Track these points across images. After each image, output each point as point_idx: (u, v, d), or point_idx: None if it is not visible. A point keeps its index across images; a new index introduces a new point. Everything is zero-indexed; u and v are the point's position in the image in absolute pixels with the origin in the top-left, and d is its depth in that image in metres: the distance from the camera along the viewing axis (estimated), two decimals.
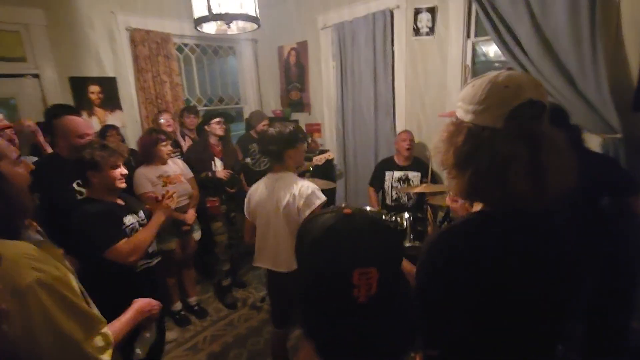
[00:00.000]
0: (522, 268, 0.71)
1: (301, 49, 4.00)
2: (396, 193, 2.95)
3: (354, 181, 3.77)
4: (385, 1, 3.07)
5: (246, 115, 4.06)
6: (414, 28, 2.94)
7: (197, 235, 2.74)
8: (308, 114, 4.16)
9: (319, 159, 3.35)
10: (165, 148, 2.43)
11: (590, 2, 2.00)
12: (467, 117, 0.73)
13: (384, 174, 3.00)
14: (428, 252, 0.77)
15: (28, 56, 2.80)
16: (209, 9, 1.43)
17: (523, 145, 0.67)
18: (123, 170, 1.62)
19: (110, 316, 1.00)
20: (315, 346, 0.53)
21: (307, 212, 1.62)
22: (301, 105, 4.19)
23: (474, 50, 2.78)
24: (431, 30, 2.86)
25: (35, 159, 2.12)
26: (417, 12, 2.89)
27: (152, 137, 2.41)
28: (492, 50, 2.82)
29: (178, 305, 2.76)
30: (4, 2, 2.62)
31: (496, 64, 2.85)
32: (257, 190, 1.84)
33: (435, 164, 2.86)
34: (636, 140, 2.06)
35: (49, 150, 2.30)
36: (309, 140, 4.14)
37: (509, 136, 0.68)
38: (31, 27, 2.76)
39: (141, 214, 1.71)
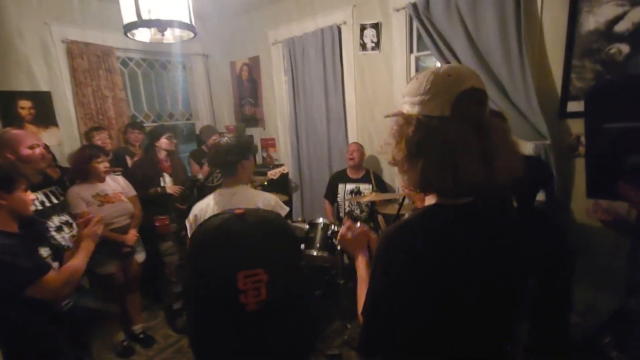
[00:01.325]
0: (479, 260, 0.72)
1: (253, 64, 3.99)
2: (349, 205, 2.96)
3: (309, 194, 3.75)
4: (333, 17, 3.15)
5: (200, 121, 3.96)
6: (360, 43, 3.04)
7: (140, 257, 2.55)
8: (262, 129, 4.12)
9: (274, 173, 3.31)
10: (101, 165, 2.26)
11: (516, 18, 2.18)
12: (414, 110, 0.74)
13: (337, 186, 3.02)
14: (385, 248, 0.75)
15: None
16: (138, 15, 1.37)
17: (471, 130, 0.69)
18: (31, 195, 1.44)
19: None
20: (193, 351, 0.48)
21: None
22: (255, 120, 4.15)
23: (417, 63, 2.91)
24: (377, 45, 2.96)
25: None
26: (363, 28, 2.99)
27: (85, 153, 2.24)
28: (432, 63, 2.97)
29: (120, 336, 2.53)
30: None
31: None
32: (208, 208, 1.66)
33: (386, 160, 2.92)
34: (563, 144, 2.22)
35: None
36: (264, 155, 4.10)
37: (457, 122, 0.69)
38: None
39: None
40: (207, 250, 0.45)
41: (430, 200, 0.80)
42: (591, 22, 2.06)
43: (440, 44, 2.50)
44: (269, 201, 1.58)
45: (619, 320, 1.71)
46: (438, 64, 2.72)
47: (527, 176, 0.76)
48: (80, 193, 2.20)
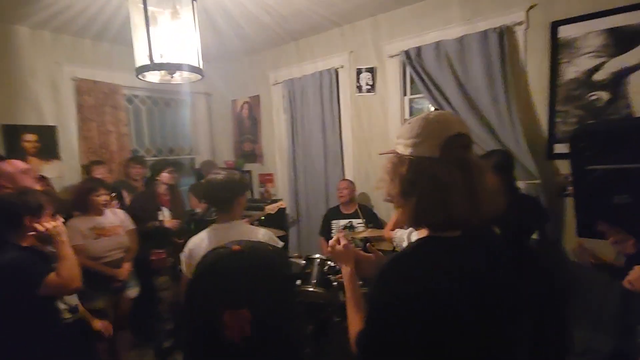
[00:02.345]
0: (476, 291, 0.74)
1: (254, 103, 4.14)
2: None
3: (306, 229, 3.76)
4: (331, 62, 3.34)
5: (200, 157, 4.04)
6: (357, 86, 3.20)
7: (132, 292, 2.51)
8: (260, 165, 4.20)
9: (271, 208, 3.34)
10: (100, 198, 2.30)
11: (501, 66, 2.34)
12: (407, 151, 0.81)
13: (331, 223, 3.05)
14: (382, 276, 0.78)
15: None
16: (151, 59, 1.47)
17: (458, 170, 0.76)
18: (47, 223, 1.52)
19: None
20: None
21: None
22: (254, 156, 4.24)
23: (410, 105, 3.05)
24: (372, 87, 3.12)
25: None
26: (359, 72, 3.16)
27: (86, 186, 2.29)
28: (425, 104, 3.11)
29: None
30: None
31: None
32: (202, 243, 1.65)
33: (380, 197, 2.95)
34: (552, 184, 2.29)
35: None
36: (262, 189, 4.14)
37: (445, 163, 0.76)
38: None
39: None
40: (198, 286, 0.48)
41: (422, 233, 0.85)
42: (571, 71, 2.22)
43: (432, 87, 2.65)
44: (264, 235, 1.59)
45: None
46: (431, 106, 2.86)
47: (525, 216, 0.82)
48: (78, 225, 2.22)
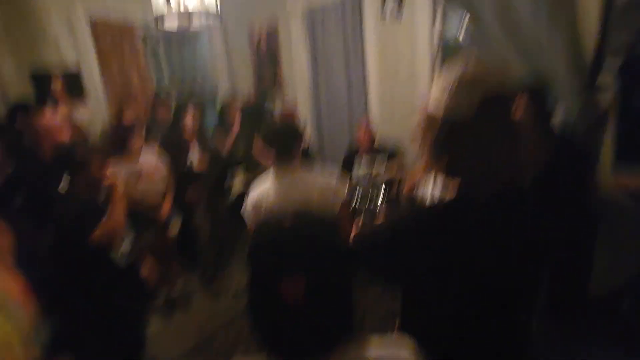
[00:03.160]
0: (494, 233, 0.78)
1: (272, 36, 3.91)
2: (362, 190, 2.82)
3: (329, 165, 3.82)
4: None
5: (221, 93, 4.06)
6: (381, 12, 2.95)
7: (174, 226, 2.74)
8: (282, 100, 4.13)
9: None
10: (136, 141, 2.38)
11: None
12: (440, 108, 0.78)
13: (351, 167, 2.97)
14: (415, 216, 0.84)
15: None
16: (168, 6, 1.41)
17: (495, 130, 0.73)
18: (110, 176, 1.65)
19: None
20: (257, 339, 0.59)
21: (339, 204, 1.55)
22: (274, 91, 4.15)
23: (441, 29, 2.80)
24: (399, 13, 2.87)
25: None
26: None
27: (119, 133, 2.37)
28: (456, 26, 2.84)
29: (161, 299, 2.79)
30: None
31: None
32: (269, 198, 1.58)
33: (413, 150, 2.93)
34: (592, 115, 2.15)
35: None
36: None
37: (481, 122, 0.73)
38: None
39: None
40: (258, 249, 0.55)
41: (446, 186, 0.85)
42: None
43: None
44: (329, 184, 1.58)
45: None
46: (462, 33, 2.64)
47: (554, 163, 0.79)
48: (118, 170, 2.35)
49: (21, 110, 2.24)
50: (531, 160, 0.77)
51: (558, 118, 2.21)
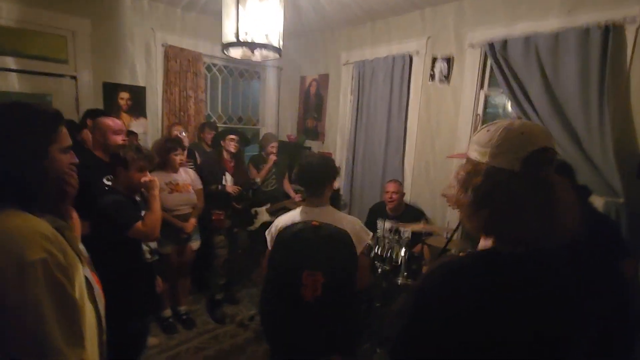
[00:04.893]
0: (530, 310, 0.71)
1: (322, 81, 4.18)
2: (388, 243, 2.83)
3: (357, 212, 3.80)
4: (406, 46, 3.23)
5: (265, 127, 4.29)
6: (430, 74, 3.07)
7: (195, 244, 2.79)
8: (321, 143, 4.28)
9: None
10: (178, 157, 2.55)
11: (600, 68, 2.09)
12: (484, 159, 0.77)
13: (376, 221, 2.94)
14: (427, 278, 0.77)
15: (70, 59, 3.06)
16: (237, 36, 1.57)
17: (538, 187, 0.72)
18: (148, 176, 1.78)
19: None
20: (264, 335, 0.58)
21: (359, 249, 1.43)
22: (315, 133, 4.33)
23: (485, 100, 2.87)
24: (446, 78, 2.98)
25: None
26: (434, 59, 3.03)
27: (166, 146, 2.55)
28: (502, 101, 2.91)
29: (168, 312, 2.78)
30: (56, 9, 2.90)
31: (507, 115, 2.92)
32: (295, 219, 1.51)
33: (447, 202, 2.88)
34: (638, 206, 2.06)
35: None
36: None
37: (525, 179, 0.72)
38: (77, 34, 3.03)
39: None
40: (283, 250, 0.56)
41: (486, 242, 0.80)
42: None
43: (515, 85, 2.46)
44: (353, 225, 1.54)
45: None
46: (508, 105, 2.68)
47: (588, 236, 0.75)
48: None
49: (91, 113, 2.51)
50: (569, 222, 0.73)
51: (599, 202, 2.13)
